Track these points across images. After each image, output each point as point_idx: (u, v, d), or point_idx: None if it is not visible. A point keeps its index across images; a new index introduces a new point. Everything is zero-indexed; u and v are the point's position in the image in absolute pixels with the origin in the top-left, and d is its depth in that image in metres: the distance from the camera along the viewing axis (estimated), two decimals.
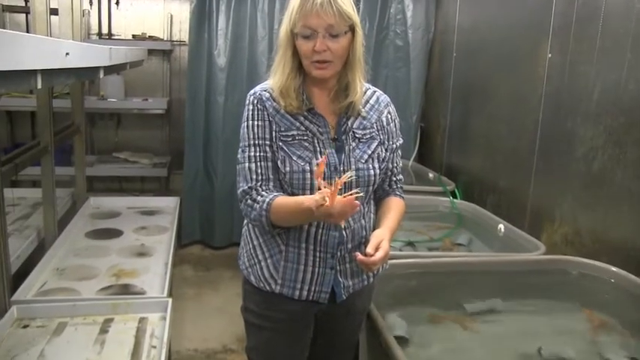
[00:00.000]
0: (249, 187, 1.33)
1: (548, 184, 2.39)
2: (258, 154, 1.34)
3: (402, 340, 1.63)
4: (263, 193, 1.32)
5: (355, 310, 1.50)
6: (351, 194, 1.16)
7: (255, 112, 1.36)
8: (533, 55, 2.47)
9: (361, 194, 1.28)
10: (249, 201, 1.33)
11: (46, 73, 1.11)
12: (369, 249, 1.26)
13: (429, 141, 3.77)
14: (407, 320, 1.76)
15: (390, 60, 3.79)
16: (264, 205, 1.29)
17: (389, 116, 1.46)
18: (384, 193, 1.50)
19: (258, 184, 1.33)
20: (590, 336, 1.78)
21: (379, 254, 1.25)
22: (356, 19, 1.32)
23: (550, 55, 2.36)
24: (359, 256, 1.26)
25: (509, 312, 1.91)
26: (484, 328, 1.82)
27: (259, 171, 1.33)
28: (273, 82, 1.37)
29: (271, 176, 1.34)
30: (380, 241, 1.28)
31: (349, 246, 1.37)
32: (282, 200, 1.29)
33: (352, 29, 1.32)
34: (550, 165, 2.37)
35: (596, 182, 2.07)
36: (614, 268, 1.93)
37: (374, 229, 1.39)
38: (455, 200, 2.83)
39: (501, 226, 2.40)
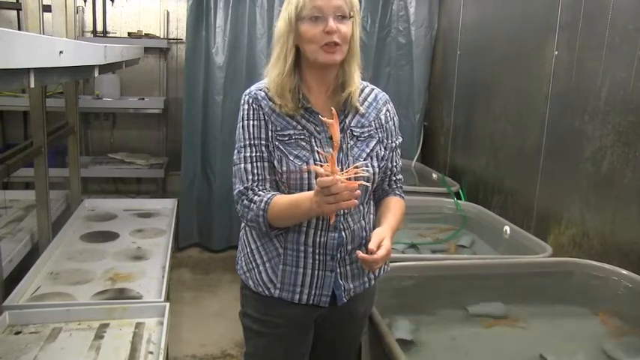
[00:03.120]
0: (245, 188, 1.31)
1: (555, 184, 2.36)
2: (254, 154, 1.32)
3: (404, 343, 1.63)
4: (260, 192, 1.30)
5: (357, 314, 1.48)
6: (356, 175, 1.14)
7: (251, 112, 1.34)
8: (539, 52, 2.44)
9: (368, 184, 1.29)
10: (245, 201, 1.31)
11: (39, 71, 1.10)
12: (372, 245, 1.24)
13: (433, 141, 3.75)
14: (410, 323, 1.76)
15: (393, 58, 3.76)
16: (262, 204, 1.27)
17: (387, 114, 1.44)
18: (384, 193, 1.48)
19: (255, 184, 1.31)
20: (613, 341, 1.75)
21: (381, 252, 1.23)
22: (357, 7, 1.32)
23: (557, 52, 2.33)
24: (360, 253, 1.24)
25: (514, 315, 1.89)
26: (487, 332, 1.81)
27: (255, 171, 1.31)
28: (269, 79, 1.35)
29: (267, 176, 1.32)
30: (382, 239, 1.26)
31: (349, 247, 1.35)
32: (281, 199, 1.27)
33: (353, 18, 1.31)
34: (557, 165, 2.35)
35: (605, 183, 2.04)
36: (623, 271, 1.91)
37: (374, 229, 1.36)
38: (459, 201, 2.81)
39: (507, 228, 2.38)
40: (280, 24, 1.31)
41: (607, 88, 2.03)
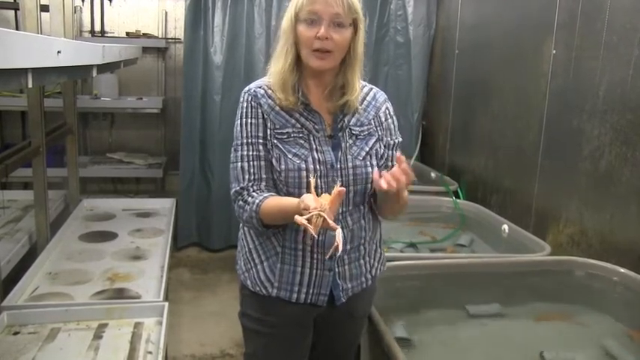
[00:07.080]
0: (241, 188, 1.32)
1: (553, 183, 2.37)
2: (251, 153, 1.32)
3: (403, 342, 1.63)
4: (253, 194, 1.30)
5: (356, 313, 1.48)
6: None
7: (249, 110, 1.34)
8: (538, 51, 2.44)
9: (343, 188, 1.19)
10: (240, 202, 1.31)
11: (37, 71, 1.09)
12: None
13: (431, 140, 3.75)
14: (408, 323, 1.76)
15: (391, 57, 3.76)
16: (254, 206, 1.27)
17: (387, 112, 1.44)
18: None
19: (250, 184, 1.31)
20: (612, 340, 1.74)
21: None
22: (361, 15, 1.31)
23: (555, 51, 2.33)
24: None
25: (513, 314, 1.90)
26: (487, 331, 1.81)
27: (252, 170, 1.32)
28: (272, 71, 1.34)
29: (264, 176, 1.32)
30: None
31: (348, 247, 1.35)
32: (271, 202, 1.26)
33: (355, 25, 1.30)
34: (555, 164, 2.35)
35: (603, 181, 2.05)
36: (621, 269, 1.92)
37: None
38: (458, 200, 2.81)
39: (505, 227, 2.38)
40: (285, 19, 1.32)
41: (605, 87, 2.03)
